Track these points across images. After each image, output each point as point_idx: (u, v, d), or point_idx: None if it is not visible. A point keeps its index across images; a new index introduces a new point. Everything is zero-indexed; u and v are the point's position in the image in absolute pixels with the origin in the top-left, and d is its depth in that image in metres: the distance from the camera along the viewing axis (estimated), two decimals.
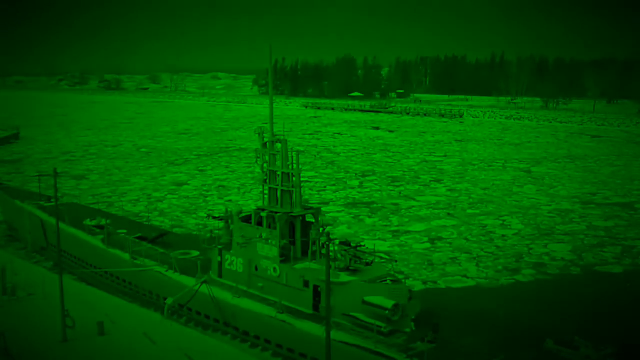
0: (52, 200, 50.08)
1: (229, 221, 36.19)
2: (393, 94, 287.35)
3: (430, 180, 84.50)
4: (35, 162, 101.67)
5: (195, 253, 40.36)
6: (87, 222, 46.51)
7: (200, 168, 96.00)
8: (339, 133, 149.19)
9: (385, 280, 30.15)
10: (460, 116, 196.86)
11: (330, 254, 29.40)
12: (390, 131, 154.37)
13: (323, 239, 32.02)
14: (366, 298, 29.32)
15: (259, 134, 34.71)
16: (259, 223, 33.92)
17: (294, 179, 33.45)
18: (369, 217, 63.16)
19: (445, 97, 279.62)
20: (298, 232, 33.73)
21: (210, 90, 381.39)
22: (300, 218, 33.79)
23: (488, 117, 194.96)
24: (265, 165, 34.50)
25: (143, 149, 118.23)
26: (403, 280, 31.92)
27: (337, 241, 32.78)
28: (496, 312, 35.00)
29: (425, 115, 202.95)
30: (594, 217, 62.99)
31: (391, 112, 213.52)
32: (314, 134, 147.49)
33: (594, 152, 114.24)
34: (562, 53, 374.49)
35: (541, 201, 70.70)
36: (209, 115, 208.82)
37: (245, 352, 31.32)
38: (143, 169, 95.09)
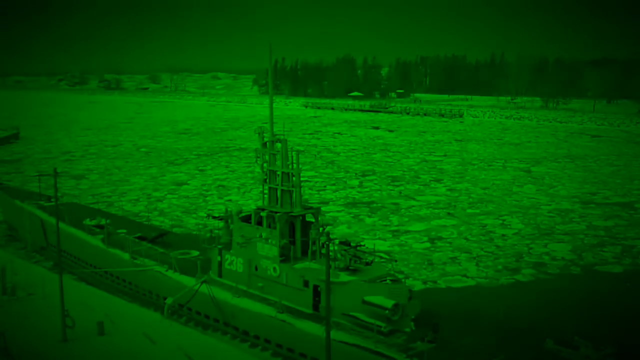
0: (52, 200, 50.06)
1: (229, 221, 36.19)
2: (393, 94, 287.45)
3: (430, 180, 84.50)
4: (35, 162, 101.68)
5: (195, 253, 40.35)
6: (87, 222, 46.50)
7: (200, 168, 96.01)
8: (339, 133, 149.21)
9: (385, 280, 30.14)
10: (460, 116, 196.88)
11: (330, 254, 29.39)
12: (390, 131, 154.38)
13: (323, 239, 32.03)
14: (366, 298, 29.32)
15: (259, 134, 34.70)
16: (259, 223, 33.91)
17: (294, 179, 33.45)
18: (369, 217, 63.16)
19: (446, 97, 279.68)
20: (298, 232, 33.72)
21: (210, 90, 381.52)
22: (300, 218, 33.78)
23: (488, 117, 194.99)
24: (265, 165, 34.50)
25: (143, 149, 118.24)
26: (403, 280, 31.89)
27: (337, 241, 32.77)
28: (496, 312, 34.97)
29: (425, 115, 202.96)
30: (594, 217, 62.99)
31: (391, 112, 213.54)
32: (314, 134, 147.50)
33: (594, 152, 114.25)
34: (562, 53, 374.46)
35: (541, 201, 70.70)
36: (209, 115, 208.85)
37: (245, 352, 31.32)
38: (143, 169, 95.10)
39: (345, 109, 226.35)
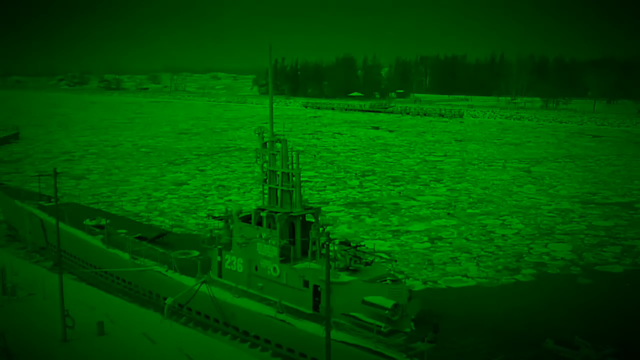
0: (52, 200, 50.10)
1: (229, 221, 36.20)
2: (393, 94, 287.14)
3: (430, 180, 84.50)
4: (35, 162, 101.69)
5: (195, 253, 40.39)
6: (87, 222, 46.52)
7: (200, 168, 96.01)
8: (339, 133, 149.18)
9: (385, 281, 30.15)
10: (460, 116, 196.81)
11: (330, 254, 29.41)
12: (390, 131, 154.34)
13: (323, 239, 32.04)
14: (366, 298, 29.33)
15: (259, 134, 34.72)
16: (259, 223, 33.93)
17: (294, 179, 33.46)
18: (369, 217, 63.16)
19: (446, 97, 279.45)
20: (298, 232, 33.73)
21: (210, 90, 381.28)
22: (300, 218, 33.80)
23: (488, 117, 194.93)
24: (265, 165, 34.51)
25: (143, 149, 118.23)
26: (403, 280, 31.90)
27: (337, 241, 32.80)
28: (496, 312, 35.03)
29: (425, 115, 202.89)
30: (594, 217, 62.99)
31: (391, 112, 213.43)
32: (314, 134, 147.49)
33: (594, 152, 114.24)
34: (562, 53, 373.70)
35: (541, 201, 70.70)
36: (209, 115, 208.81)
37: (245, 352, 31.33)
38: (143, 169, 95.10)
39: (345, 109, 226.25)
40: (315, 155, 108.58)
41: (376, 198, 72.77)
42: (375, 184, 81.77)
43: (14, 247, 52.37)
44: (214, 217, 39.11)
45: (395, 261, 36.98)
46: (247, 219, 34.81)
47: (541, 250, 51.32)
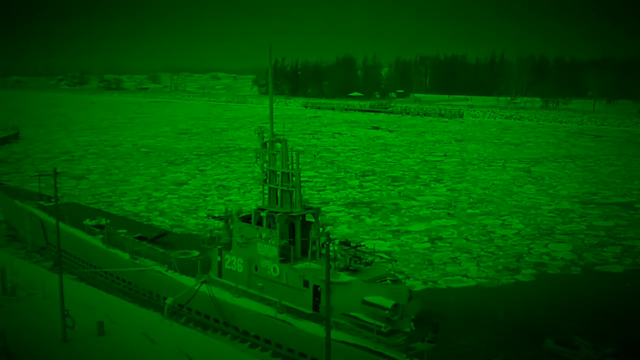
0: (52, 200, 50.10)
1: (229, 221, 36.21)
2: (393, 94, 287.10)
3: (430, 180, 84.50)
4: (35, 162, 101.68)
5: (195, 253, 40.39)
6: (87, 222, 46.51)
7: (200, 168, 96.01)
8: (339, 133, 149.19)
9: (385, 281, 30.15)
10: (460, 116, 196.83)
11: (330, 254, 29.41)
12: (390, 131, 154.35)
13: (323, 239, 32.04)
14: (366, 298, 29.33)
15: (259, 134, 34.72)
16: (259, 223, 33.93)
17: (294, 179, 33.46)
18: (369, 217, 63.15)
19: (445, 97, 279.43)
20: (298, 232, 33.74)
21: (210, 90, 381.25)
22: (300, 218, 33.80)
23: (488, 117, 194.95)
24: (265, 165, 34.51)
25: (143, 149, 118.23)
26: (403, 280, 31.91)
27: (337, 241, 32.80)
28: (496, 312, 35.00)
29: (425, 115, 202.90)
30: (594, 217, 62.99)
31: (391, 112, 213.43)
32: (314, 134, 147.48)
33: (594, 152, 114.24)
34: (562, 53, 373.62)
35: (541, 201, 70.70)
36: (209, 115, 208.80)
37: (245, 352, 31.33)
38: (143, 169, 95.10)
39: (345, 109, 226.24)
40: (315, 155, 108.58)
41: (376, 198, 72.77)
42: (375, 184, 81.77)
43: (14, 247, 52.36)
44: (214, 217, 39.11)
45: (396, 261, 36.99)
46: (247, 219, 34.81)
47: (541, 250, 51.31)
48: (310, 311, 31.38)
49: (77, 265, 45.27)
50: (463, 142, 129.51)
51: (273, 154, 34.19)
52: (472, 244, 53.08)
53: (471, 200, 71.32)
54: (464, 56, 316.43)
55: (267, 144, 34.33)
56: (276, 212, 33.05)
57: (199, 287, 34.31)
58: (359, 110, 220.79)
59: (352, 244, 32.19)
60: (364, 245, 33.13)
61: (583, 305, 39.45)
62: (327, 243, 23.48)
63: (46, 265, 45.86)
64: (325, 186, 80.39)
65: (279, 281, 32.76)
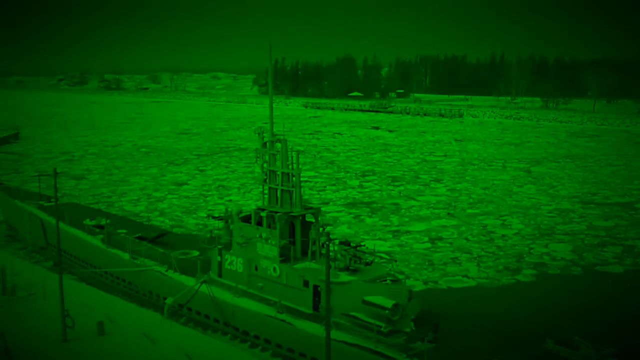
0: (52, 200, 50.08)
1: (229, 221, 36.19)
2: (393, 94, 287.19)
3: (431, 180, 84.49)
4: (35, 162, 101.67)
5: (195, 253, 40.37)
6: (87, 222, 46.49)
7: (200, 168, 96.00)
8: (339, 133, 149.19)
9: (385, 281, 30.14)
10: (460, 116, 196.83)
11: (330, 254, 29.39)
12: (390, 131, 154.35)
13: (323, 239, 32.03)
14: (366, 298, 29.31)
15: (259, 134, 34.70)
16: (259, 223, 33.91)
17: (294, 179, 33.45)
18: (369, 217, 63.14)
19: (445, 97, 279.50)
20: (298, 232, 33.73)
21: (210, 90, 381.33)
22: (300, 218, 33.79)
23: (488, 117, 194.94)
24: (265, 165, 34.50)
25: (143, 149, 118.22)
26: (403, 281, 31.91)
27: (337, 241, 32.79)
28: (496, 312, 35.00)
29: (425, 115, 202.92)
30: (595, 217, 62.98)
31: (391, 112, 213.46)
32: (314, 134, 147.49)
33: (594, 152, 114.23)
34: (562, 53, 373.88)
35: (541, 201, 70.69)
36: (209, 115, 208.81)
37: (245, 352, 31.32)
38: (143, 169, 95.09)
39: (345, 109, 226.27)
40: (315, 155, 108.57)
41: (376, 198, 72.76)
42: (375, 184, 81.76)
43: (14, 247, 52.35)
44: (214, 217, 39.10)
45: (396, 261, 36.97)
46: (247, 219, 34.80)
47: (541, 250, 51.30)
48: (310, 311, 31.37)
49: (77, 265, 45.26)
50: (463, 142, 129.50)
51: (273, 154, 34.18)
52: (473, 244, 53.07)
53: (471, 200, 71.31)
54: (464, 56, 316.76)
55: (267, 144, 34.31)
56: (276, 212, 33.04)
57: (199, 287, 34.31)
58: (359, 110, 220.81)
59: (352, 244, 32.18)
60: (364, 245, 33.12)
61: (583, 305, 39.43)
62: (327, 243, 23.49)
63: (46, 265, 45.86)
64: (325, 186, 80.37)
65: (279, 281, 32.75)
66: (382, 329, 28.44)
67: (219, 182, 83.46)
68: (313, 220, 33.51)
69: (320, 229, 32.50)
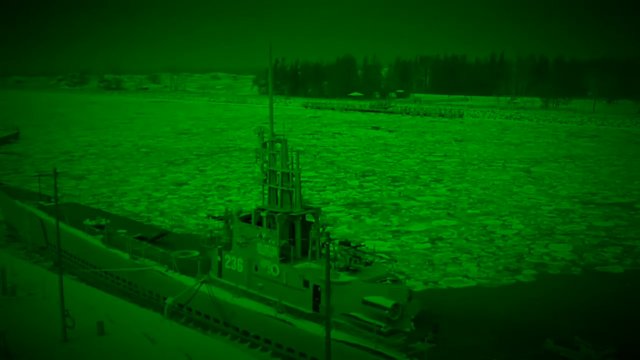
0: (52, 200, 50.07)
1: (229, 221, 36.19)
2: (393, 94, 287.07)
3: (431, 180, 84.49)
4: (35, 162, 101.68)
5: (195, 253, 40.36)
6: (87, 222, 46.50)
7: (200, 168, 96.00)
8: (339, 133, 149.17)
9: (385, 281, 30.14)
10: (460, 116, 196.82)
11: (330, 254, 29.39)
12: (390, 131, 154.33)
13: (323, 239, 32.03)
14: (366, 298, 29.31)
15: (259, 134, 34.70)
16: (259, 223, 33.91)
17: (294, 179, 33.45)
18: (370, 217, 63.14)
19: (445, 97, 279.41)
20: (298, 232, 33.73)
21: (210, 90, 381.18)
22: (300, 218, 33.79)
23: (488, 117, 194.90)
24: (265, 165, 34.50)
25: (143, 149, 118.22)
26: (403, 281, 31.91)
27: (337, 241, 32.79)
28: (497, 312, 34.99)
29: (425, 115, 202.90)
30: (595, 217, 62.97)
31: (391, 112, 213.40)
32: (314, 134, 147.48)
33: (594, 152, 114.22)
34: (562, 53, 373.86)
35: (541, 201, 70.68)
36: (209, 115, 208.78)
37: (245, 352, 31.31)
38: (143, 169, 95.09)
39: (345, 109, 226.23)
40: (315, 156, 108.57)
41: (376, 198, 72.76)
42: (375, 184, 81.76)
43: (14, 247, 52.36)
44: (214, 217, 39.09)
45: (396, 261, 36.95)
46: (247, 219, 34.80)
47: (542, 250, 51.30)
48: (310, 311, 31.37)
49: (77, 265, 45.26)
50: (463, 142, 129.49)
51: (273, 154, 34.18)
52: (473, 244, 53.07)
53: (471, 200, 71.31)
54: (464, 56, 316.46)
55: (267, 144, 34.32)
56: (276, 212, 33.05)
57: (199, 287, 34.30)
58: (359, 110, 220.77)
59: (352, 244, 32.18)
60: (364, 246, 33.12)
61: (583, 306, 39.44)
62: (327, 243, 23.48)
63: (46, 265, 45.86)
64: (325, 186, 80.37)
65: (279, 281, 32.75)
66: (382, 329, 28.44)
67: (219, 182, 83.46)
68: (313, 220, 33.51)
69: (320, 229, 32.50)
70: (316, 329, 29.16)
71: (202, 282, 34.41)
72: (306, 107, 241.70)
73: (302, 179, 34.26)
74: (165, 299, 35.09)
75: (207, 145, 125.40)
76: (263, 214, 33.51)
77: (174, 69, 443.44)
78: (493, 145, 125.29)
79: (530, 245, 52.58)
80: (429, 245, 52.84)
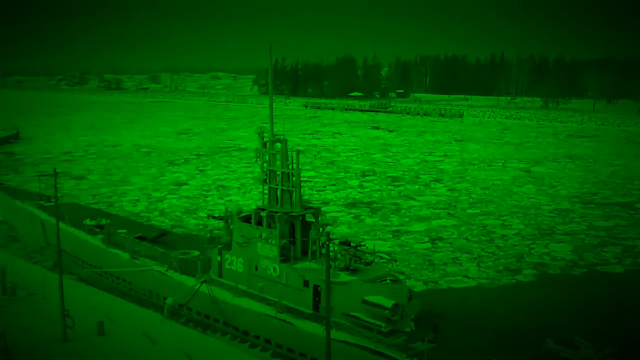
0: (52, 200, 50.05)
1: (229, 221, 36.18)
2: (393, 94, 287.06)
3: (431, 180, 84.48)
4: (35, 162, 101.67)
5: (195, 253, 40.35)
6: (87, 222, 46.49)
7: (200, 168, 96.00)
8: (339, 133, 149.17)
9: (386, 281, 30.14)
10: (460, 116, 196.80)
11: (330, 254, 29.39)
12: (390, 131, 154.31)
13: (323, 239, 32.03)
14: (366, 298, 29.31)
15: (259, 133, 34.70)
16: (259, 223, 33.91)
17: (294, 179, 33.45)
18: (370, 217, 63.13)
19: (445, 97, 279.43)
20: (298, 232, 33.73)
21: (210, 90, 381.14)
22: (300, 218, 33.79)
23: (488, 117, 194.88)
24: (265, 165, 34.50)
25: (143, 149, 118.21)
26: (403, 281, 31.90)
27: (337, 241, 32.78)
28: (497, 312, 34.99)
29: (425, 115, 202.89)
30: (595, 217, 62.97)
31: (391, 112, 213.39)
32: (314, 133, 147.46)
33: (594, 152, 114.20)
34: (562, 53, 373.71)
35: (541, 201, 70.68)
36: (209, 115, 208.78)
37: (245, 352, 31.32)
38: (143, 169, 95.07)
39: (345, 109, 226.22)
40: (315, 155, 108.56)
41: (376, 198, 72.75)
42: (375, 184, 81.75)
43: (14, 247, 52.35)
44: (214, 217, 39.09)
45: (396, 261, 36.95)
46: (247, 219, 34.80)
47: (542, 250, 51.30)
48: (310, 311, 31.36)
49: (77, 265, 45.25)
50: (463, 142, 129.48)
51: (273, 154, 34.18)
52: (473, 244, 53.07)
53: (471, 200, 71.30)
54: (464, 56, 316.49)
55: (267, 144, 34.31)
56: (276, 212, 33.04)
57: (199, 287, 34.29)
58: (359, 110, 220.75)
59: (352, 244, 32.17)
60: (364, 245, 33.11)
61: (583, 306, 39.44)
62: (327, 243, 23.48)
63: (46, 265, 45.85)
64: (325, 186, 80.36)
65: (279, 281, 32.75)
66: (382, 328, 28.44)
67: (218, 182, 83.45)
68: (313, 220, 33.51)
69: (320, 229, 32.50)
70: (316, 329, 29.16)
71: (202, 282, 34.40)
72: (306, 107, 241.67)
73: (302, 179, 34.25)
74: (165, 299, 35.08)
75: (207, 145, 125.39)
76: (263, 213, 33.51)
77: (174, 69, 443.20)
78: (493, 145, 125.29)
79: (530, 245, 52.58)
80: (429, 245, 52.84)
